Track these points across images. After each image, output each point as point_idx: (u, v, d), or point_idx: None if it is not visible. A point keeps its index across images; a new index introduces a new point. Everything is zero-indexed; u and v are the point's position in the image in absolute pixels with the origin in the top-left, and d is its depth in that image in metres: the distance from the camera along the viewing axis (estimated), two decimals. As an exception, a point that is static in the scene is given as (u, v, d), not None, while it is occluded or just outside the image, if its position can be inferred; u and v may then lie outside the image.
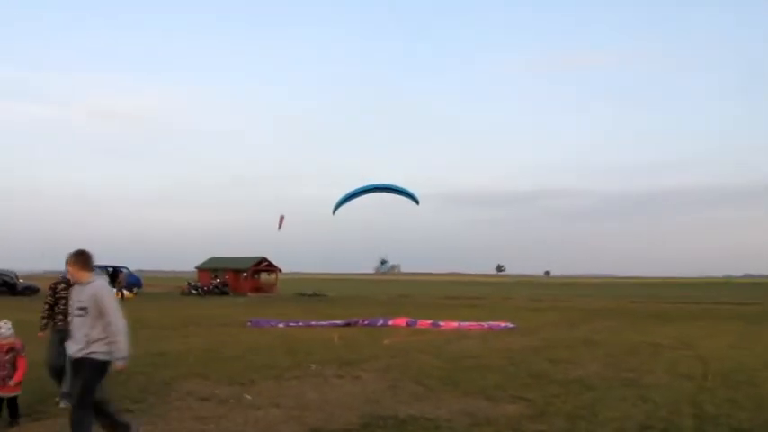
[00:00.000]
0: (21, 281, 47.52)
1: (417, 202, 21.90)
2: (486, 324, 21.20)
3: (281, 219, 39.97)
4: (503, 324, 21.25)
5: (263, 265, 56.46)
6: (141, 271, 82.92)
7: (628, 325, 22.88)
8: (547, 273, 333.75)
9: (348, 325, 21.12)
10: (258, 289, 54.94)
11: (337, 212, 22.33)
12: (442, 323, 21.33)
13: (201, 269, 58.53)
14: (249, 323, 21.39)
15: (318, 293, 53.93)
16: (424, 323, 21.36)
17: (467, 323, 21.49)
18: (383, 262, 42.83)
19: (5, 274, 47.03)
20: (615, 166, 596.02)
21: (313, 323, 21.68)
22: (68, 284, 7.50)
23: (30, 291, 45.89)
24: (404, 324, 21.26)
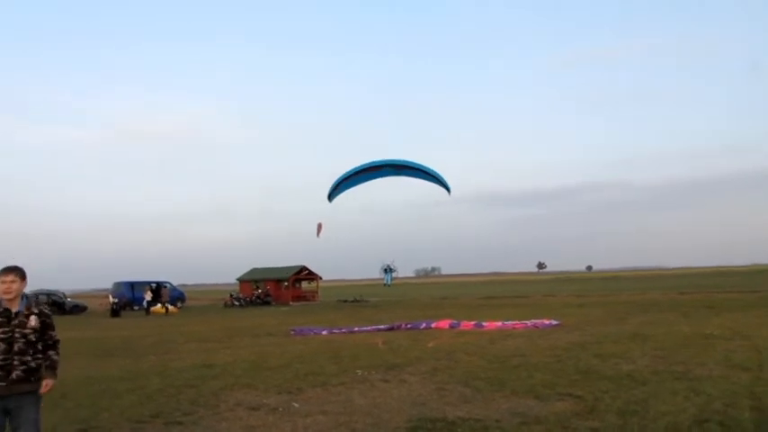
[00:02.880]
0: (69, 300, 48.60)
1: (448, 189, 17.67)
2: (530, 322, 20.98)
3: (320, 226, 40.12)
4: (547, 322, 21.01)
5: (303, 274, 56.78)
6: (184, 285, 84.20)
7: (677, 317, 22.38)
8: (589, 268, 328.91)
9: (391, 329, 21.10)
10: (300, 297, 55.28)
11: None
12: (485, 323, 21.18)
13: (243, 281, 59.14)
14: (293, 332, 21.51)
15: (360, 299, 54.03)
16: (468, 324, 21.22)
17: (510, 322, 21.31)
18: (387, 270, 41.34)
19: (54, 294, 48.14)
20: (654, 157, 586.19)
21: (356, 329, 21.71)
22: None
23: (78, 309, 46.96)
24: (447, 326, 21.15)
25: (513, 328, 20.09)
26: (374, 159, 17.12)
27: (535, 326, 20.25)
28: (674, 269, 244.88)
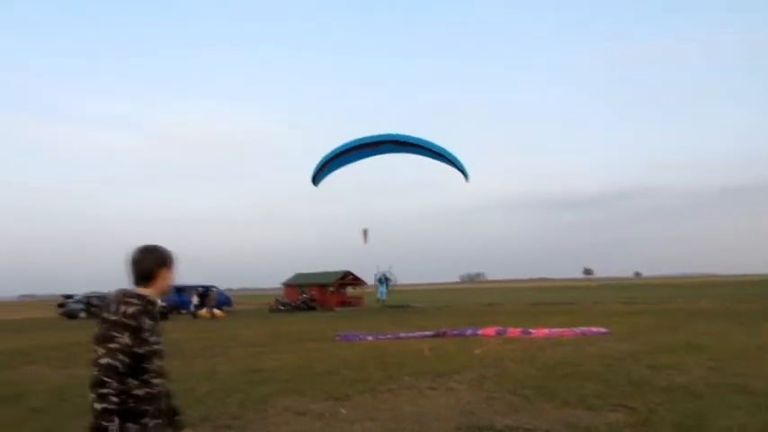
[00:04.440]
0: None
1: (466, 174, 15.14)
2: (578, 330, 20.62)
3: (365, 232, 40.19)
4: (596, 329, 20.62)
5: (348, 279, 56.91)
6: (230, 289, 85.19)
7: (732, 326, 21.69)
8: (638, 274, 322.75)
9: (437, 336, 20.95)
10: (344, 303, 55.39)
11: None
12: (532, 330, 20.88)
13: (288, 285, 59.56)
14: (338, 337, 21.53)
15: (405, 305, 53.91)
16: (515, 331, 20.96)
17: (558, 330, 20.96)
18: (382, 280, 40.15)
19: (106, 297, 49.20)
20: (706, 161, 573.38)
21: (402, 335, 21.62)
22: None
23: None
24: (494, 333, 20.92)
25: (561, 335, 19.77)
26: (371, 134, 13.99)
27: (583, 333, 19.89)
28: (726, 276, 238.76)
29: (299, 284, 57.40)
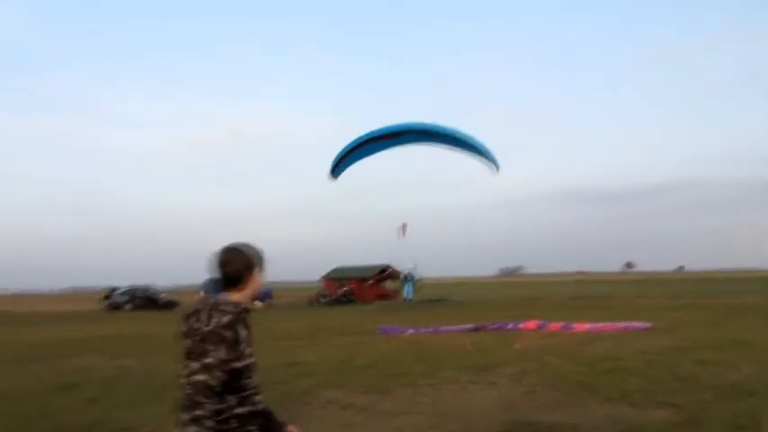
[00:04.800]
0: (162, 295, 50.50)
1: (496, 164, 13.70)
2: (620, 324, 20.34)
3: (403, 226, 40.18)
4: (638, 324, 20.30)
5: (387, 273, 56.98)
6: (270, 283, 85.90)
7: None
8: (681, 268, 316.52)
9: (477, 330, 20.87)
10: (383, 296, 55.49)
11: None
12: (573, 325, 20.65)
13: (327, 279, 59.91)
14: (378, 330, 21.60)
15: (443, 298, 53.80)
16: (555, 326, 20.77)
17: (600, 324, 20.70)
18: (408, 279, 39.26)
19: (148, 290, 50.14)
20: (750, 154, 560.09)
21: (442, 329, 21.60)
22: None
23: (170, 305, 48.72)
24: (534, 327, 20.77)
25: (603, 330, 19.52)
26: (392, 124, 13.10)
27: (625, 328, 19.61)
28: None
29: (337, 278, 57.71)
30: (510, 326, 21.25)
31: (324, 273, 61.62)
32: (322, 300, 50.99)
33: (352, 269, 58.90)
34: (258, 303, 44.69)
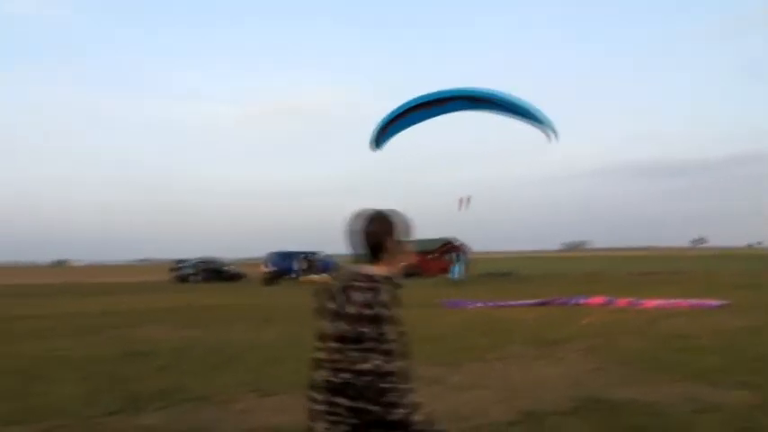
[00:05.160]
0: (228, 267, 51.70)
1: (556, 134, 12.12)
2: (691, 301, 19.82)
3: (466, 199, 39.92)
4: (711, 302, 19.74)
5: (450, 247, 56.84)
6: (334, 256, 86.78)
7: None
8: (756, 244, 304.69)
9: (543, 304, 20.69)
10: (446, 270, 55.44)
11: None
12: (642, 301, 20.24)
13: (390, 252, 60.10)
14: (443, 304, 21.63)
15: (508, 272, 53.46)
16: (623, 301, 20.41)
17: (670, 301, 20.22)
18: (458, 258, 38.17)
19: (215, 262, 51.39)
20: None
21: (507, 303, 21.50)
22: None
23: (236, 277, 49.93)
24: (601, 303, 20.46)
25: (674, 306, 19.07)
26: (439, 90, 12.13)
27: (698, 305, 19.11)
28: None
29: (400, 251, 57.85)
30: (576, 301, 20.99)
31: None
32: (384, 273, 51.27)
33: (415, 242, 58.91)
34: (322, 276, 45.30)
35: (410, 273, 51.18)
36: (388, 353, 2.51)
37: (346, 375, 2.50)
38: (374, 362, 2.49)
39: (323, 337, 2.64)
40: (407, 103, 11.98)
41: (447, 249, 57.51)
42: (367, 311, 2.50)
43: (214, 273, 49.25)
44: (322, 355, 2.61)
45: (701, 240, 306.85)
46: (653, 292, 24.10)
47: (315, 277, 44.59)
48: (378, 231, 2.69)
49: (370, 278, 2.59)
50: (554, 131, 12.32)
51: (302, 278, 44.46)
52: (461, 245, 40.17)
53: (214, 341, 13.08)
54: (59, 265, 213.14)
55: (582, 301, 20.94)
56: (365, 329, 2.50)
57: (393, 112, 12.13)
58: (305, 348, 10.22)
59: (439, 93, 12.11)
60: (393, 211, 2.77)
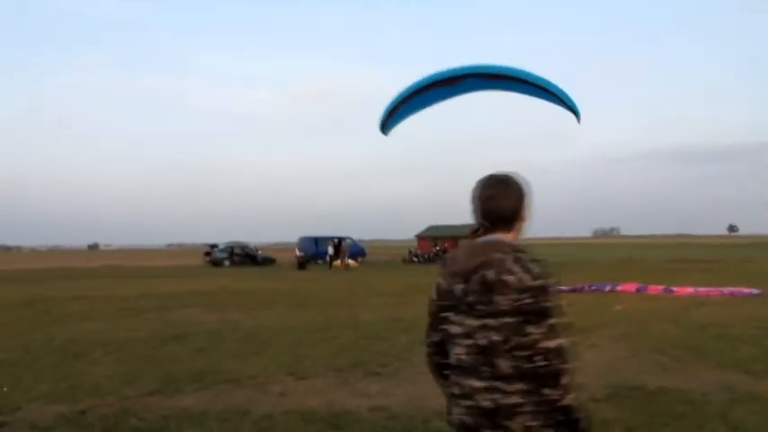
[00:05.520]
0: (260, 252, 52.17)
1: (576, 113, 9.24)
2: (726, 290, 19.55)
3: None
4: (746, 290, 19.45)
5: (481, 232, 56.73)
6: (363, 240, 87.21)
7: None
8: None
9: (574, 291, 20.58)
10: (477, 256, 55.37)
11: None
12: (675, 289, 20.05)
13: (421, 237, 60.23)
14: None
15: (537, 258, 53.19)
16: (656, 289, 20.22)
17: (704, 289, 19.98)
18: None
19: (247, 247, 51.89)
20: None
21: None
22: None
23: (268, 261, 50.37)
24: (633, 290, 20.29)
25: (708, 295, 18.85)
26: (451, 68, 12.77)
27: (732, 294, 18.86)
28: None
29: (432, 237, 57.97)
30: (608, 288, 20.85)
31: (418, 231, 61.94)
32: (414, 259, 51.37)
33: (446, 228, 58.96)
34: (352, 261, 45.49)
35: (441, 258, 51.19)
36: (553, 328, 2.21)
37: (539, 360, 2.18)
38: (558, 340, 2.22)
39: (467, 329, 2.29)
40: (418, 83, 11.48)
41: (480, 235, 57.45)
42: (543, 284, 2.24)
43: (246, 257, 49.73)
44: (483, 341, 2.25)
45: (735, 228, 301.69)
46: (686, 280, 23.82)
47: (350, 262, 44.83)
48: (513, 197, 2.43)
49: (522, 251, 2.32)
50: (577, 112, 11.61)
51: (336, 263, 44.69)
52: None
53: (249, 325, 13.26)
54: (94, 249, 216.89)
55: (614, 288, 20.78)
56: (544, 306, 2.23)
57: (402, 93, 11.56)
58: (338, 333, 10.40)
59: (452, 71, 11.44)
60: (518, 174, 2.50)
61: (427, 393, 7.15)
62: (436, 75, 11.29)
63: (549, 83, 11.41)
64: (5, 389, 7.64)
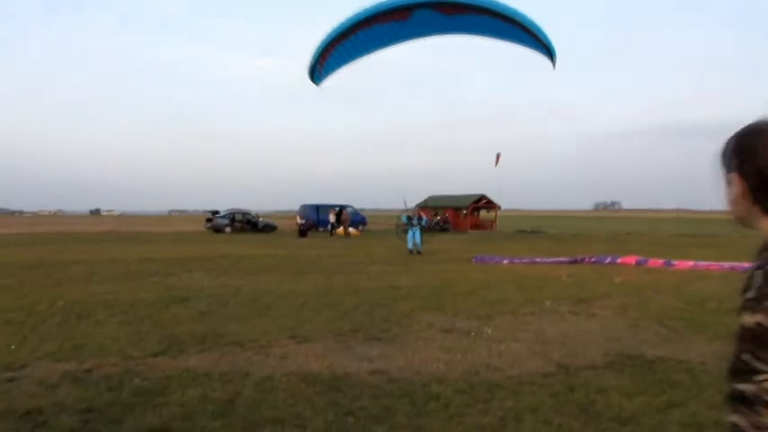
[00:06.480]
0: (261, 219, 52.20)
1: (552, 56, 9.18)
2: (726, 264, 19.59)
3: (498, 156, 39.81)
4: (747, 265, 19.39)
5: (482, 203, 56.72)
6: (364, 210, 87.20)
7: None
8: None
9: (574, 262, 20.66)
10: (477, 226, 55.45)
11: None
12: (675, 262, 20.10)
13: (422, 207, 60.20)
14: (474, 260, 21.71)
15: (539, 230, 53.32)
16: (656, 262, 20.28)
17: (704, 263, 20.03)
18: (412, 221, 32.98)
19: (248, 213, 51.92)
20: None
21: (538, 260, 21.50)
22: None
23: (269, 228, 50.41)
24: (633, 263, 20.35)
25: (708, 269, 18.91)
26: None
27: (732, 268, 18.90)
28: None
29: (432, 207, 57.95)
30: (608, 260, 20.91)
31: (418, 201, 61.90)
32: (415, 228, 51.40)
33: (447, 198, 58.88)
34: (353, 229, 45.55)
35: (441, 228, 51.33)
36: None
37: None
38: None
39: None
40: (355, 18, 8.58)
41: (480, 206, 57.45)
42: None
43: (247, 224, 49.79)
44: None
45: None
46: (687, 254, 23.88)
47: (351, 230, 44.89)
48: None
49: None
50: (551, 52, 9.23)
51: (337, 231, 44.73)
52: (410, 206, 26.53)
53: (251, 289, 13.35)
54: (96, 214, 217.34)
55: (614, 260, 20.84)
56: None
57: (337, 30, 8.74)
58: (339, 299, 10.47)
59: (393, 1, 8.61)
60: None
61: (426, 358, 7.26)
62: (377, 5, 8.43)
63: (516, 12, 8.47)
64: (13, 347, 7.73)
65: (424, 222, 26.16)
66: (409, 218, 25.34)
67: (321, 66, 9.28)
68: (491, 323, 9.48)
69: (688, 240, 39.09)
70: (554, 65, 9.37)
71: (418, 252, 24.60)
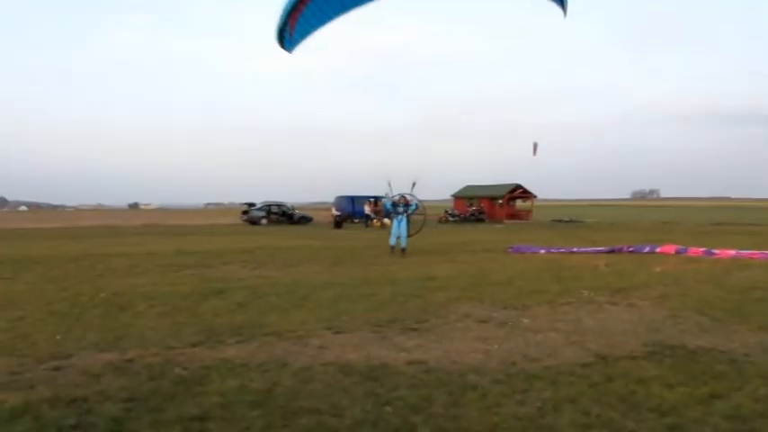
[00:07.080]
0: (297, 211, 52.55)
1: (564, 4, 8.60)
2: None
3: (535, 145, 39.47)
4: (792, 253, 19.00)
5: (518, 192, 56.33)
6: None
7: None
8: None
9: (612, 252, 20.41)
10: (513, 216, 55.10)
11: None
12: (716, 251, 19.71)
13: (457, 197, 60.00)
14: (510, 249, 21.57)
15: (575, 220, 52.77)
16: (696, 251, 19.91)
17: (746, 251, 19.61)
18: (398, 209, 30.15)
19: (284, 205, 52.27)
20: None
21: (575, 250, 21.28)
22: None
23: (305, 220, 50.73)
24: (673, 252, 20.02)
25: (750, 257, 18.50)
26: None
27: (774, 257, 18.48)
28: None
29: (468, 197, 57.73)
30: (647, 249, 20.60)
31: (454, 191, 61.69)
32: (450, 218, 51.29)
33: (482, 188, 58.60)
34: (386, 220, 45.58)
35: (477, 218, 51.09)
36: None
37: None
38: None
39: None
40: None
41: (515, 195, 57.05)
42: None
43: (283, 216, 50.16)
44: None
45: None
46: (727, 243, 23.42)
47: (386, 221, 44.94)
48: None
49: None
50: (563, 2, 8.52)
51: (375, 221, 44.83)
52: (405, 193, 23.18)
53: (288, 281, 13.43)
54: (134, 207, 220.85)
55: (653, 249, 20.52)
56: None
57: None
58: (375, 289, 10.47)
59: None
60: None
61: (463, 348, 7.23)
62: None
63: None
64: (58, 337, 7.90)
65: (411, 209, 21.70)
66: (395, 204, 21.06)
67: (292, 28, 8.07)
68: (528, 313, 9.41)
69: (728, 228, 38.35)
70: (565, 12, 8.81)
71: (402, 249, 20.23)
